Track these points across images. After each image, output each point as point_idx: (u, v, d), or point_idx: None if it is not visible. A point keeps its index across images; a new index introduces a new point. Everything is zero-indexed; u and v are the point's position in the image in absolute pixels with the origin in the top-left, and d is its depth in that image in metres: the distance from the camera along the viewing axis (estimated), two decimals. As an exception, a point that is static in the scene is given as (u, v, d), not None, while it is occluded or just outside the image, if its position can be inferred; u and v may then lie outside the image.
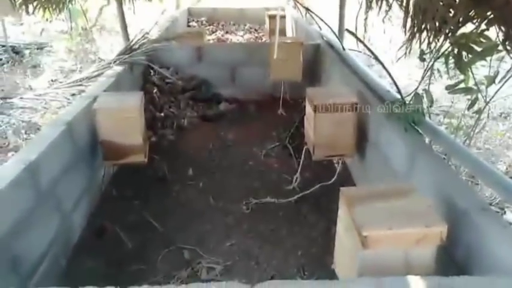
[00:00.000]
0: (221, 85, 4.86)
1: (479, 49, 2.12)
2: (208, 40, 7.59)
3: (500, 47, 2.00)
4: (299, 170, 3.27)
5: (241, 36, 8.31)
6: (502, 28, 1.99)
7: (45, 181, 2.26)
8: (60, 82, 5.13)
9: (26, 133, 4.02)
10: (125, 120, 2.77)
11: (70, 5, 4.56)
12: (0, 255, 1.82)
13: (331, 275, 1.91)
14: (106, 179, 3.17)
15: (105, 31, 8.34)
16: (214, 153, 3.84)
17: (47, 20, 4.42)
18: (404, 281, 1.32)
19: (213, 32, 8.44)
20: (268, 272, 2.44)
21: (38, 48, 7.22)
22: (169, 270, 2.44)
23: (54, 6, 3.69)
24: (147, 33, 4.77)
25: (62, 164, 2.48)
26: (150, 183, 3.28)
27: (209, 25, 8.88)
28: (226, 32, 8.53)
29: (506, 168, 3.21)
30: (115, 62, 4.05)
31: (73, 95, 4.35)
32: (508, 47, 1.90)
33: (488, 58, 2.16)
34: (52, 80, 5.74)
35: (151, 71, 4.51)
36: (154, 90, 4.29)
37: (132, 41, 4.37)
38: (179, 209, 3.01)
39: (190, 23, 8.84)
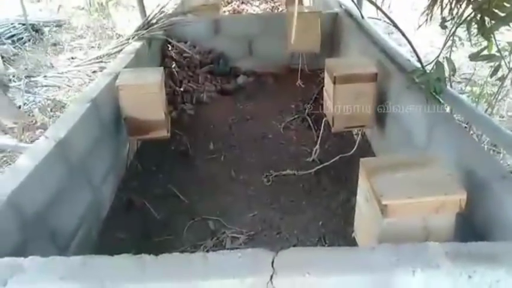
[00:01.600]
0: (238, 58, 4.85)
1: (502, 14, 2.06)
2: (224, 12, 7.51)
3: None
4: (318, 142, 3.30)
5: (257, 6, 8.18)
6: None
7: (75, 157, 2.36)
8: (81, 59, 5.21)
9: (51, 111, 4.14)
10: (147, 96, 2.83)
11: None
12: (39, 228, 1.94)
13: (352, 244, 1.97)
14: (131, 154, 3.28)
15: (121, 6, 8.34)
16: (234, 127, 3.89)
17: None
18: (422, 247, 1.37)
19: (229, 3, 8.32)
20: (290, 241, 2.52)
21: (56, 26, 7.30)
22: (196, 240, 2.55)
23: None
24: (164, 7, 4.76)
25: (90, 140, 2.58)
26: (173, 157, 3.37)
27: (224, -4, 8.75)
28: (242, 3, 8.40)
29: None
30: (133, 37, 4.09)
31: (94, 72, 4.44)
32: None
33: (512, 23, 2.11)
34: (72, 58, 5.83)
35: (169, 45, 4.53)
36: (173, 65, 4.33)
37: (149, 16, 4.38)
38: (202, 181, 3.10)
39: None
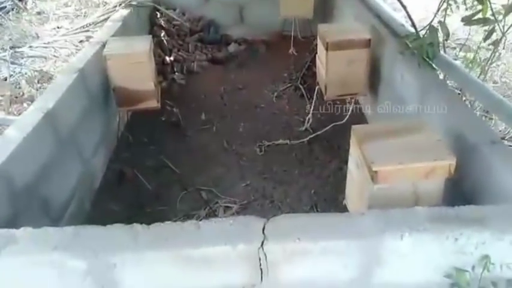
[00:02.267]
0: (229, 25, 4.75)
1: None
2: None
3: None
4: (311, 111, 3.28)
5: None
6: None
7: (64, 128, 2.33)
8: (67, 29, 5.06)
9: (38, 82, 4.05)
10: (136, 66, 2.77)
11: None
12: (31, 199, 1.94)
13: (343, 211, 1.99)
14: (121, 125, 3.25)
15: (107, -28, 8.03)
16: (226, 97, 3.85)
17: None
18: (410, 212, 1.39)
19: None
20: (282, 209, 2.55)
21: (40, -6, 7.03)
22: (189, 210, 2.56)
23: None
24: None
25: (78, 111, 2.53)
26: (164, 128, 3.35)
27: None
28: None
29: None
30: (120, 5, 3.96)
31: (81, 41, 4.32)
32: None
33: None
34: (58, 27, 5.65)
35: (158, 13, 4.41)
36: (162, 34, 4.22)
37: (135, -18, 4.22)
38: (194, 152, 3.09)
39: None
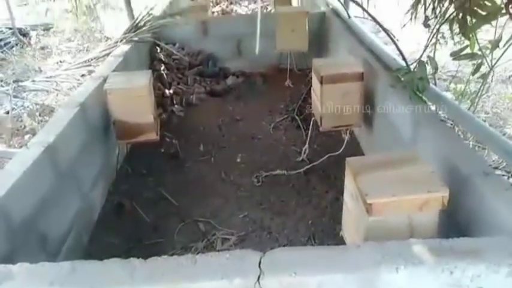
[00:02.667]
0: (227, 59, 4.87)
1: (483, 13, 2.10)
2: (213, 12, 7.52)
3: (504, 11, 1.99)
4: (307, 142, 3.33)
5: (246, 6, 8.20)
6: (506, -9, 1.97)
7: (64, 161, 2.36)
8: (69, 63, 5.19)
9: (40, 115, 4.12)
10: (136, 100, 2.83)
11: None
12: (28, 234, 1.94)
13: (341, 242, 2.00)
14: (121, 158, 3.28)
15: (109, 8, 8.30)
16: (224, 128, 3.91)
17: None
18: (406, 244, 1.40)
19: (218, 4, 8.33)
20: (280, 241, 2.54)
21: (44, 30, 7.25)
22: (187, 242, 2.56)
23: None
24: (152, 9, 4.76)
25: (78, 144, 2.58)
26: (163, 160, 3.38)
27: (213, -4, 8.76)
28: (231, 3, 8.41)
29: (514, 132, 3.22)
30: (121, 40, 4.08)
31: (83, 75, 4.42)
32: (511, 10, 1.89)
33: (493, 23, 2.15)
34: (60, 61, 5.80)
35: (158, 48, 4.53)
36: (162, 68, 4.33)
37: (137, 18, 4.37)
38: (192, 184, 3.11)
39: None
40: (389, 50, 3.11)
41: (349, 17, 4.02)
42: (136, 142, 3.09)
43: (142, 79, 2.94)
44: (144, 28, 4.28)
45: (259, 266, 1.33)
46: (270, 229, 2.65)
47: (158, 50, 4.54)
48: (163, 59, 4.46)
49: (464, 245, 1.41)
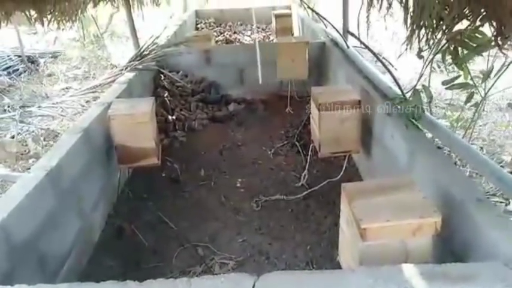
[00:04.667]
0: (230, 86, 4.98)
1: (474, 45, 2.19)
2: (217, 41, 7.72)
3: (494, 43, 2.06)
4: (307, 167, 3.37)
5: (249, 36, 8.41)
6: (494, 24, 2.05)
7: (66, 185, 2.41)
8: (75, 89, 5.32)
9: (44, 140, 4.20)
10: (138, 126, 2.90)
11: (82, 15, 4.73)
12: (28, 256, 1.97)
13: (338, 268, 2.01)
14: (122, 182, 3.32)
15: (116, 37, 8.54)
16: (225, 154, 3.96)
17: (59, 28, 4.58)
18: (399, 269, 1.42)
19: (221, 33, 8.56)
20: (278, 266, 2.55)
21: (52, 57, 7.45)
22: (185, 266, 2.57)
23: (67, 18, 3.85)
24: (156, 38, 4.92)
25: (81, 168, 2.63)
26: (163, 184, 3.42)
27: (217, 26, 9.01)
28: (234, 33, 8.64)
29: (511, 160, 3.24)
30: (126, 68, 4.20)
31: (88, 101, 4.53)
32: (500, 42, 1.97)
33: (485, 53, 2.23)
34: (67, 88, 5.93)
35: (162, 75, 4.66)
36: (165, 94, 4.43)
37: (142, 47, 4.52)
38: (192, 208, 3.14)
39: (199, 25, 8.98)
40: (386, 79, 3.20)
41: (348, 47, 4.14)
42: (138, 166, 3.14)
43: (145, 106, 3.02)
44: (148, 56, 4.41)
45: (253, 289, 1.35)
46: (268, 254, 2.65)
47: (162, 78, 4.66)
48: (166, 86, 4.57)
49: (456, 270, 1.43)
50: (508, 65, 2.02)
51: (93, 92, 4.40)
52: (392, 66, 4.44)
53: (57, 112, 4.56)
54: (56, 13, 3.60)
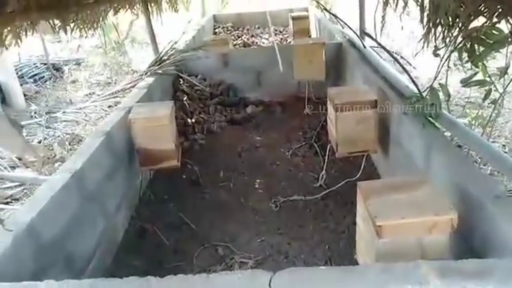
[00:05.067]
0: (247, 89, 5.05)
1: (491, 41, 2.17)
2: (235, 45, 7.80)
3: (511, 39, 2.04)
4: (324, 168, 3.38)
5: (267, 39, 8.47)
6: (511, 21, 2.03)
7: (90, 187, 2.51)
8: (98, 95, 5.48)
9: (70, 144, 4.35)
10: (158, 129, 2.99)
11: (103, 22, 4.88)
12: (56, 254, 2.06)
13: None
14: (143, 184, 3.42)
15: (136, 43, 8.74)
16: (244, 155, 4.01)
17: (81, 36, 4.73)
18: (414, 265, 1.43)
19: (239, 37, 8.64)
20: (297, 265, 2.57)
21: (76, 64, 7.70)
22: (206, 265, 2.62)
23: (89, 26, 3.98)
24: (175, 43, 5.02)
25: (104, 171, 2.73)
26: (184, 186, 3.50)
27: (235, 30, 9.10)
28: (252, 36, 8.71)
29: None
30: (146, 73, 4.31)
31: (110, 106, 4.67)
32: (517, 39, 1.95)
33: (503, 50, 2.20)
34: (90, 94, 6.12)
35: (181, 79, 4.75)
36: (184, 98, 4.52)
37: (161, 53, 4.63)
38: (212, 209, 3.20)
39: (216, 29, 9.09)
40: (404, 78, 3.19)
41: (364, 47, 4.13)
42: (159, 168, 3.23)
43: (165, 109, 3.10)
44: (167, 61, 4.52)
45: (270, 285, 1.39)
46: (287, 253, 2.68)
47: (181, 82, 4.75)
48: (185, 90, 4.66)
49: (472, 266, 1.43)
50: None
51: (114, 97, 4.54)
52: (411, 65, 4.41)
53: (81, 117, 4.71)
54: (79, 21, 3.72)
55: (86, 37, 4.93)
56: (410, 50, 5.04)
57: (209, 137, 4.36)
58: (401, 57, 4.72)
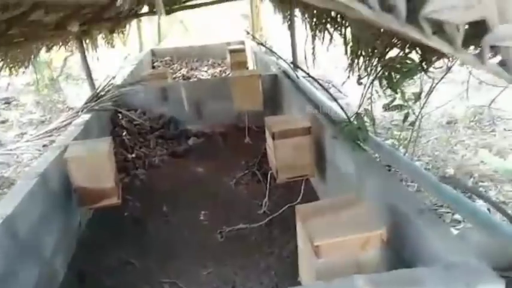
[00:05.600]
0: (188, 121, 5.08)
1: (405, 70, 2.42)
2: (174, 78, 7.85)
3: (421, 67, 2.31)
4: (267, 194, 3.47)
5: (205, 71, 8.62)
6: (419, 51, 2.30)
7: (23, 232, 2.37)
8: (31, 135, 5.22)
9: (0, 188, 4.08)
10: (96, 166, 2.92)
11: (35, 60, 4.73)
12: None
13: (301, 288, 2.09)
14: (83, 224, 3.28)
15: (71, 79, 8.49)
16: (187, 188, 3.99)
17: (11, 74, 4.55)
18: (349, 280, 1.52)
19: (178, 70, 8.72)
20: (244, 294, 2.59)
21: (5, 103, 7.29)
22: (152, 305, 2.55)
23: (20, 64, 3.86)
24: (113, 79, 4.98)
25: (39, 214, 2.59)
26: (126, 223, 3.40)
27: (173, 64, 9.17)
28: (191, 69, 8.82)
29: (454, 172, 3.50)
30: (82, 110, 4.21)
31: (44, 146, 4.47)
32: (425, 67, 2.20)
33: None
34: (22, 134, 5.82)
35: (119, 115, 4.69)
36: (124, 133, 4.46)
37: (97, 88, 4.56)
38: (156, 245, 3.13)
39: (155, 64, 9.11)
40: (335, 105, 3.41)
41: (298, 77, 4.37)
42: (99, 207, 3.13)
43: (103, 146, 3.05)
44: (105, 97, 4.45)
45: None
46: (234, 283, 2.69)
47: (120, 117, 4.69)
48: (124, 125, 4.60)
49: (403, 276, 1.55)
50: (434, 86, 2.25)
51: (49, 136, 4.35)
52: (341, 92, 4.72)
53: (13, 159, 4.46)
54: (8, 60, 3.60)
55: (16, 75, 4.74)
56: (341, 78, 5.39)
57: (151, 172, 4.30)
58: (333, 85, 5.05)
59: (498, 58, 0.78)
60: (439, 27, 0.73)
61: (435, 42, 0.75)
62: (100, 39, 5.76)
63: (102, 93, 4.53)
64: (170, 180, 4.13)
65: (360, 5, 0.70)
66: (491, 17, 0.66)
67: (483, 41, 0.74)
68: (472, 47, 0.76)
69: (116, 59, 7.71)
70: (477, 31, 0.73)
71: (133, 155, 4.33)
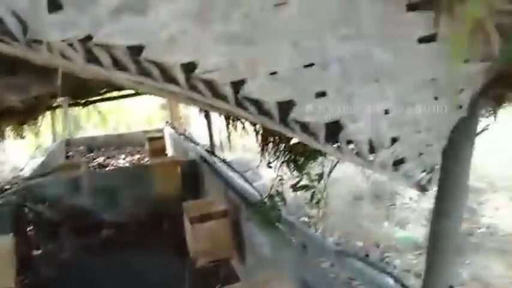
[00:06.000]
0: (102, 211, 4.87)
1: (307, 154, 2.69)
2: (89, 167, 7.60)
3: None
4: (187, 280, 3.37)
5: (123, 159, 8.49)
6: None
7: None
8: None
9: None
10: (-6, 266, 2.65)
11: None
12: None
13: None
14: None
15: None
16: (101, 283, 3.72)
17: None
18: None
19: (94, 159, 8.48)
20: None
21: None
22: None
23: None
24: (20, 170, 4.70)
25: None
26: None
27: (89, 153, 8.93)
28: (108, 157, 8.64)
29: (363, 244, 3.76)
30: (-18, 206, 3.87)
31: None
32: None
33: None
34: None
35: (25, 208, 4.37)
36: (29, 228, 4.12)
37: (1, 182, 4.26)
38: None
39: (69, 153, 8.78)
40: (250, 188, 3.57)
41: (215, 162, 4.55)
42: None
43: (2, 245, 2.81)
44: (10, 190, 4.16)
45: None
46: None
47: (26, 211, 4.36)
48: (31, 219, 4.28)
49: None
50: (334, 166, 2.52)
51: None
52: (259, 175, 4.97)
53: None
54: None
55: None
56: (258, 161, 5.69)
57: (60, 268, 3.95)
58: (249, 168, 5.31)
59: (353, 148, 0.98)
60: (306, 127, 0.92)
61: (304, 138, 0.93)
62: (8, 130, 5.50)
63: (7, 186, 4.24)
64: (81, 277, 3.81)
65: (242, 111, 0.86)
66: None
67: (340, 137, 0.95)
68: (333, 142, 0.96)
69: (26, 149, 7.32)
70: (336, 129, 0.94)
71: (40, 251, 3.98)
